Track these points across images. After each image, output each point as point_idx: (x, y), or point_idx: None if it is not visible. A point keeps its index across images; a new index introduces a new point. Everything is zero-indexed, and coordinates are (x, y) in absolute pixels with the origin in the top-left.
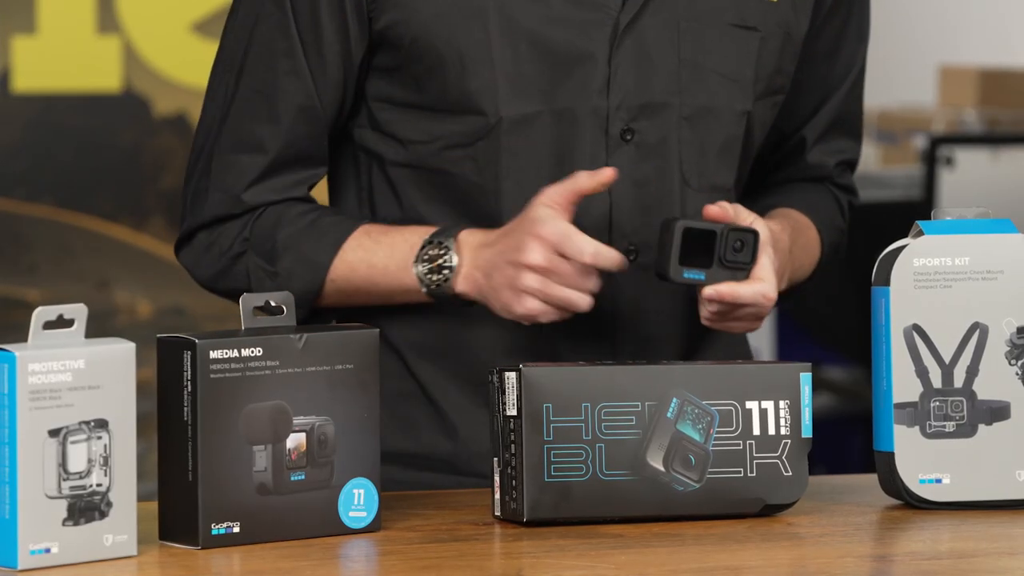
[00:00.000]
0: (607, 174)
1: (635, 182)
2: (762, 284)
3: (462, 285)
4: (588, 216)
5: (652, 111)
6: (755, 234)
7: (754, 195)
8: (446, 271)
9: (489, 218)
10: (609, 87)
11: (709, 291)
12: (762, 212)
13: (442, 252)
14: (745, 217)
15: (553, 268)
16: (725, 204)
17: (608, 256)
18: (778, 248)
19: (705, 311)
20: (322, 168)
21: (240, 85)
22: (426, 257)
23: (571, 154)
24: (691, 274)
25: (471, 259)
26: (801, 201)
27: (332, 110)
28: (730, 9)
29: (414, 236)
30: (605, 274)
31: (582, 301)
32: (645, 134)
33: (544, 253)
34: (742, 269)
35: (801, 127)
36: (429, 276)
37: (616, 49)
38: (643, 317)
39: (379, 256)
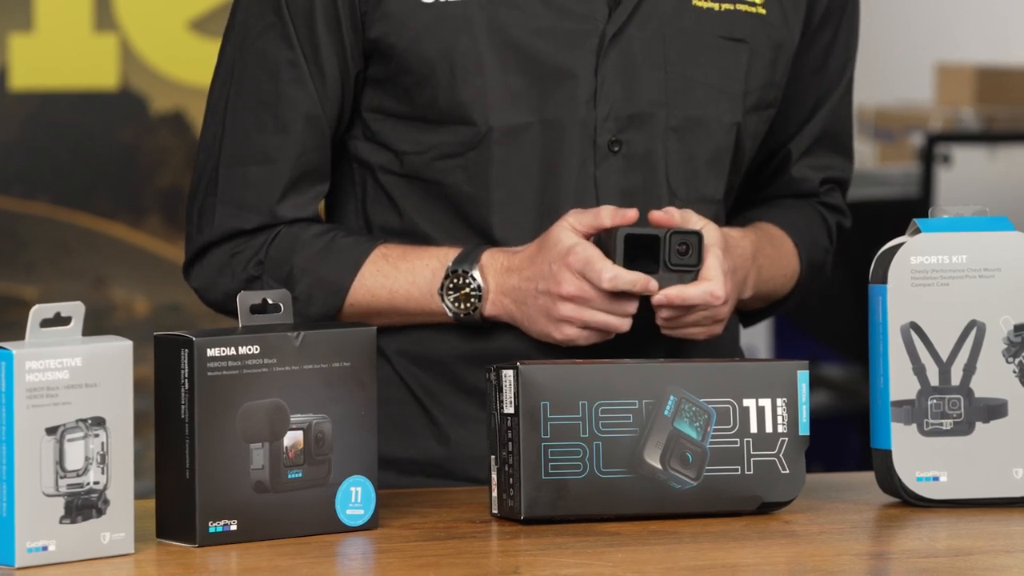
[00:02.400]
0: (631, 215)
1: (623, 193)
2: (709, 283)
3: (490, 310)
4: None
5: (639, 122)
6: (698, 235)
7: (739, 211)
8: (474, 299)
9: (481, 228)
10: (596, 98)
11: (658, 296)
12: (741, 226)
13: (468, 281)
14: (695, 222)
15: (585, 295)
16: (671, 209)
17: (627, 280)
18: (732, 250)
19: (658, 318)
20: (327, 183)
21: (242, 97)
22: (451, 286)
23: (560, 165)
24: None
25: (497, 284)
26: (781, 217)
27: (333, 122)
28: (718, 21)
29: (434, 261)
30: None
31: (619, 323)
32: (632, 145)
33: (575, 282)
34: (689, 271)
35: (788, 141)
36: (457, 305)
37: (603, 60)
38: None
39: (400, 282)
